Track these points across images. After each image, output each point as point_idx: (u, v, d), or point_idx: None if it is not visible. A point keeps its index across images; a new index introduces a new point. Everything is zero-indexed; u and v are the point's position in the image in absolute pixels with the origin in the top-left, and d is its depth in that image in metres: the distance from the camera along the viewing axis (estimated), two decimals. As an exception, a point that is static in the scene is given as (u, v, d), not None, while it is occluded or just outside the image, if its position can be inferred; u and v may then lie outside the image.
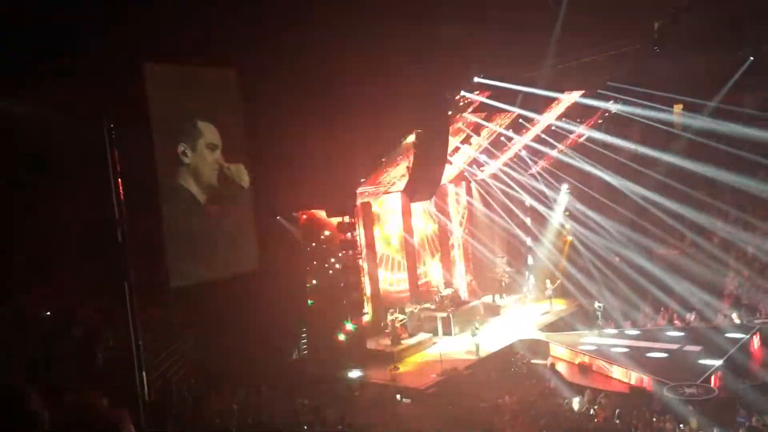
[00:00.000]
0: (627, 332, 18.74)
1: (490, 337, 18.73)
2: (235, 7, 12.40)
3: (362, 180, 17.92)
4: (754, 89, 20.84)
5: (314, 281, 18.00)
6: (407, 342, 18.31)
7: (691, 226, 21.43)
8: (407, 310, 19.19)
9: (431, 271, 22.15)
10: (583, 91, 20.67)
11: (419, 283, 21.28)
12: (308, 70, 14.43)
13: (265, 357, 15.57)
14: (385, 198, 20.32)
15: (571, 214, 23.32)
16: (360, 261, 18.37)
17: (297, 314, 17.29)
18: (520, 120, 20.64)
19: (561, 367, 16.94)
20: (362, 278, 18.58)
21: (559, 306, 21.64)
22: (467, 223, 23.30)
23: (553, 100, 20.23)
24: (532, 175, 23.10)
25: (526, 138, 22.13)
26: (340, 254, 17.80)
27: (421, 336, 18.81)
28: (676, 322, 19.22)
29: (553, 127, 21.89)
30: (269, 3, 13.03)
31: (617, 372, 15.92)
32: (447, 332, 19.29)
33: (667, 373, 14.86)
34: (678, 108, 19.66)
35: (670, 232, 21.85)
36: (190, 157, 14.03)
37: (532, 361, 17.32)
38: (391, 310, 18.79)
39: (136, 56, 12.39)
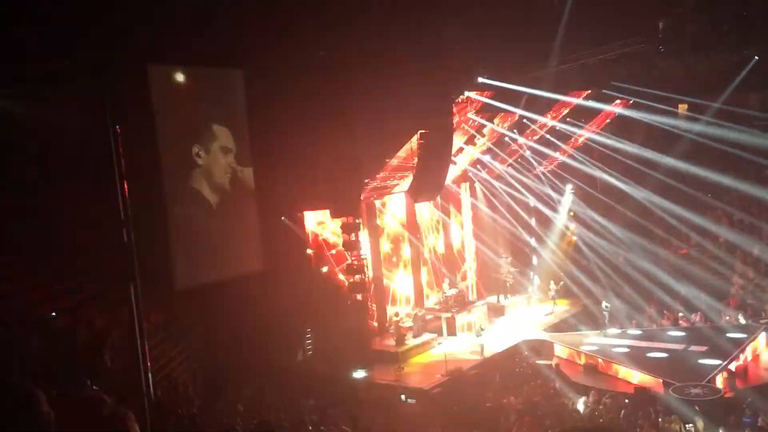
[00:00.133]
0: (632, 333, 18.70)
1: (494, 338, 18.74)
2: (241, 10, 12.44)
3: (367, 181, 17.94)
4: (759, 89, 20.79)
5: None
6: (412, 342, 18.32)
7: (696, 227, 21.39)
8: (412, 311, 19.19)
9: (435, 272, 22.14)
10: (586, 93, 20.66)
11: (423, 284, 21.29)
12: (314, 71, 14.47)
13: (271, 357, 15.60)
14: (390, 198, 20.33)
15: (575, 215, 23.32)
16: (364, 261, 18.38)
17: (302, 315, 17.30)
18: (524, 120, 20.63)
19: (566, 368, 16.92)
20: (366, 279, 18.58)
21: (563, 307, 21.62)
22: (471, 223, 23.28)
23: (556, 101, 20.21)
24: (536, 175, 23.08)
25: (530, 139, 22.14)
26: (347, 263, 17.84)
27: (426, 336, 18.82)
28: (681, 322, 19.18)
29: (557, 128, 21.87)
30: (275, 6, 13.05)
31: (622, 372, 15.89)
32: (452, 333, 19.31)
33: (673, 374, 14.83)
34: (683, 108, 19.60)
35: (675, 233, 21.81)
36: (204, 159, 14.15)
37: (537, 361, 17.31)
38: (396, 312, 18.79)
39: (142, 58, 12.44)
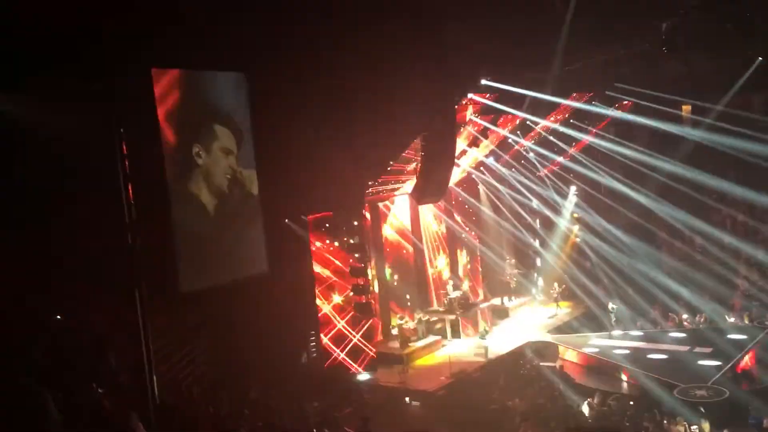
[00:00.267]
0: (637, 334, 18.67)
1: (499, 340, 18.73)
2: (245, 13, 12.47)
3: (370, 183, 17.95)
4: (763, 90, 20.73)
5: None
6: (416, 344, 18.32)
7: (700, 229, 21.35)
8: (416, 315, 19.21)
9: (440, 273, 22.13)
10: (589, 95, 20.63)
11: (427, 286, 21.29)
12: (316, 73, 14.48)
13: (275, 360, 15.61)
14: (393, 201, 20.34)
15: (578, 217, 23.30)
16: (368, 264, 18.39)
17: (306, 317, 17.31)
18: (528, 122, 20.62)
19: (570, 370, 16.89)
20: (370, 281, 18.59)
21: (567, 308, 21.60)
22: (474, 225, 23.27)
23: (558, 105, 20.21)
24: (539, 177, 23.07)
25: (534, 141, 22.13)
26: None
27: (430, 338, 18.82)
28: (685, 324, 19.13)
29: (560, 130, 21.86)
30: (278, 10, 13.08)
31: (627, 374, 15.86)
32: (456, 335, 19.30)
33: (678, 376, 14.80)
34: (687, 109, 19.57)
35: (679, 235, 21.77)
36: (204, 159, 14.06)
37: (541, 363, 17.28)
38: (400, 315, 18.79)
39: (146, 61, 12.47)
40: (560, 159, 22.77)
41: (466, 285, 22.02)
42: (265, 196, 15.33)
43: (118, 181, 9.06)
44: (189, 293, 13.72)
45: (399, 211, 20.69)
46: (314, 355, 17.47)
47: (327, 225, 17.74)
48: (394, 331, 18.86)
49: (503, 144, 21.53)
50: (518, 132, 21.12)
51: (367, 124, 15.11)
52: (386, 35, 13.90)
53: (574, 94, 20.36)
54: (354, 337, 17.50)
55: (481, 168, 22.44)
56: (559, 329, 19.91)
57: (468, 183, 22.89)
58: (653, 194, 21.01)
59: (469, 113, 18.63)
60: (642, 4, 15.71)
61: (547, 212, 23.00)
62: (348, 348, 17.37)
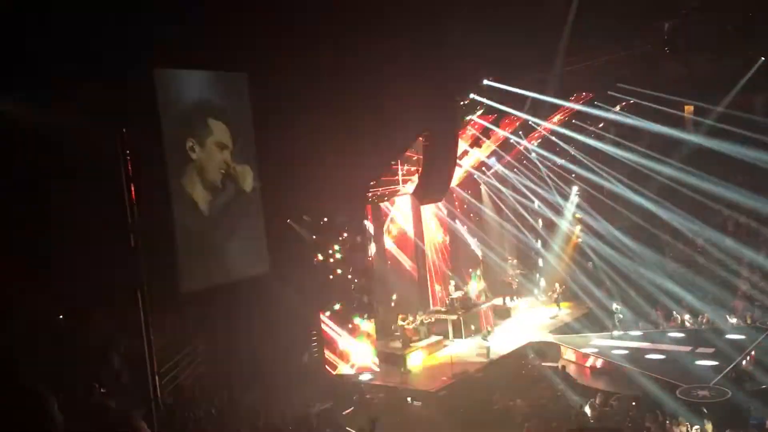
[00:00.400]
0: (639, 335, 18.65)
1: (500, 340, 18.72)
2: (246, 12, 12.47)
3: (372, 183, 17.96)
4: (764, 90, 20.69)
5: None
6: (418, 345, 18.32)
7: (702, 229, 21.38)
8: (418, 317, 19.24)
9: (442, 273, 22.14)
10: (589, 97, 20.62)
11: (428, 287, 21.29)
12: (318, 73, 14.48)
13: (277, 360, 15.63)
14: (395, 201, 20.35)
15: (580, 218, 23.30)
16: (369, 263, 18.40)
17: (307, 317, 17.32)
18: (530, 123, 20.62)
19: (572, 370, 16.88)
20: (372, 281, 18.60)
21: (569, 309, 21.60)
22: (476, 225, 23.28)
23: (560, 107, 20.21)
24: (541, 178, 23.06)
25: (536, 141, 22.14)
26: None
27: (432, 338, 18.82)
28: (687, 325, 19.12)
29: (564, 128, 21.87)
30: (280, 9, 13.08)
31: (629, 374, 15.84)
32: (458, 335, 19.30)
33: (680, 376, 14.79)
34: (689, 110, 19.54)
35: (681, 236, 21.75)
36: (198, 153, 13.87)
37: (543, 363, 17.28)
38: (402, 315, 18.80)
39: (148, 60, 12.47)
40: (562, 162, 22.78)
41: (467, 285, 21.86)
42: (266, 195, 15.32)
43: (121, 181, 9.06)
44: (190, 293, 13.71)
45: (401, 211, 20.69)
46: (315, 355, 17.49)
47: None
48: (397, 333, 18.84)
49: (505, 144, 21.53)
50: (520, 132, 21.10)
51: (369, 124, 15.11)
52: (388, 35, 13.90)
53: (575, 96, 20.37)
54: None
55: (483, 168, 22.45)
56: (560, 330, 19.90)
57: (470, 183, 22.89)
58: (655, 195, 21.01)
59: (475, 116, 18.66)
60: (643, 5, 15.68)
61: (549, 213, 22.99)
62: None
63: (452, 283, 21.12)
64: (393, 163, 17.57)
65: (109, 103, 10.73)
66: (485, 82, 17.24)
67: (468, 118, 18.69)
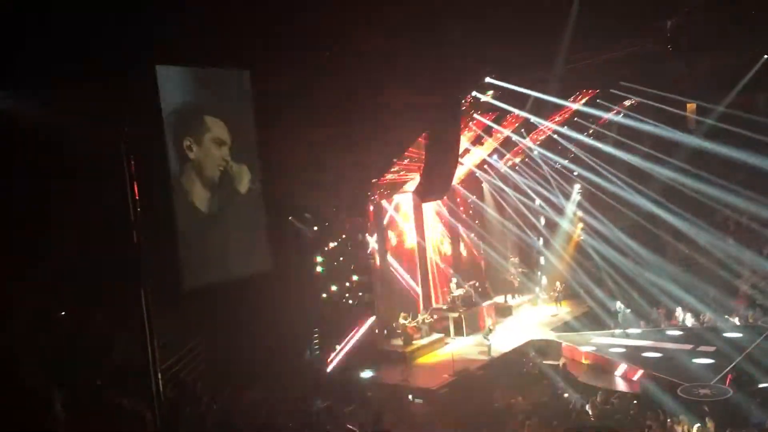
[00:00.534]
0: (641, 333, 18.66)
1: (502, 338, 18.75)
2: (247, 10, 12.46)
3: (374, 180, 17.97)
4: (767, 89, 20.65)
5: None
6: (419, 342, 18.35)
7: (704, 228, 21.38)
8: (419, 316, 19.27)
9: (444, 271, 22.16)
10: (592, 94, 20.58)
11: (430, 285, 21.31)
12: (320, 71, 14.48)
13: (278, 357, 15.66)
14: (397, 199, 20.36)
15: (582, 217, 23.31)
16: (371, 261, 18.42)
17: (309, 314, 17.35)
18: (532, 121, 20.60)
19: (573, 368, 16.90)
20: (373, 279, 18.62)
21: (569, 307, 21.61)
22: (478, 223, 23.29)
23: (562, 107, 20.20)
24: (543, 176, 23.06)
25: (538, 139, 22.11)
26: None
27: (434, 336, 18.85)
28: (689, 323, 19.12)
29: (565, 128, 21.86)
30: (280, 6, 13.07)
31: (631, 372, 15.86)
32: (459, 332, 19.34)
33: (681, 374, 14.80)
34: (691, 108, 19.49)
35: (682, 235, 21.73)
36: (195, 152, 13.78)
37: (544, 361, 17.30)
38: (404, 314, 18.84)
39: (149, 59, 12.48)
40: (564, 162, 22.77)
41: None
42: (268, 193, 15.32)
43: (123, 179, 9.07)
44: (192, 291, 13.73)
45: (402, 209, 20.70)
46: (317, 352, 17.53)
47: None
48: (399, 331, 18.87)
49: (507, 142, 21.51)
50: (522, 129, 21.08)
51: (371, 122, 15.11)
52: (390, 33, 13.89)
53: (578, 94, 20.33)
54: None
55: (485, 167, 22.44)
56: (561, 328, 19.93)
57: (472, 182, 22.90)
58: (657, 195, 21.00)
59: (476, 114, 18.64)
60: (646, 3, 15.64)
61: (551, 211, 23.00)
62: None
63: (454, 281, 21.14)
64: (395, 160, 17.56)
65: (110, 102, 10.75)
66: (487, 79, 17.22)
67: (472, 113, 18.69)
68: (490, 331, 18.29)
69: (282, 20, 13.06)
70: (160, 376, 10.39)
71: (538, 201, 22.98)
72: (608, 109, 21.47)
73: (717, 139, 19.50)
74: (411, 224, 20.91)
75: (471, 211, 23.25)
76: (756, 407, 13.00)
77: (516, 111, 19.06)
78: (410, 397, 15.79)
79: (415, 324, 18.82)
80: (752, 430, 12.31)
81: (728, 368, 14.87)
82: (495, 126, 19.88)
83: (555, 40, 15.84)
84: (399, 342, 18.28)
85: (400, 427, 14.07)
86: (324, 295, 17.53)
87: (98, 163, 10.87)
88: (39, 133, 10.63)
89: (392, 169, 18.19)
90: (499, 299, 22.16)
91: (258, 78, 14.75)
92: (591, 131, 22.27)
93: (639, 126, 20.63)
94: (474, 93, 17.57)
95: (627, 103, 21.54)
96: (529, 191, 22.60)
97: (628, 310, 19.73)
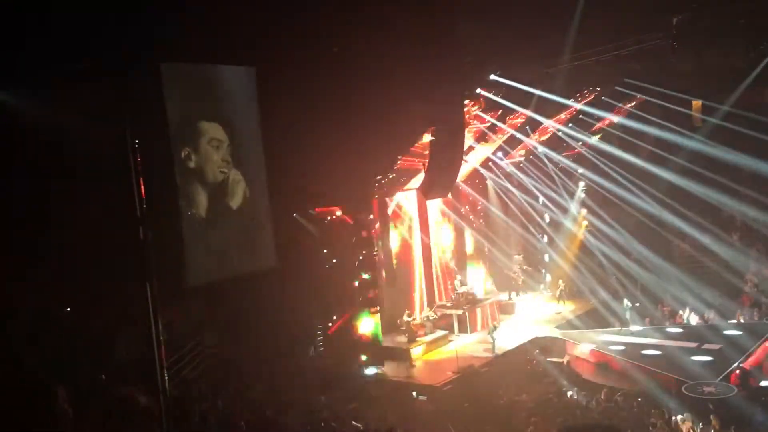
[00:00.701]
0: (646, 331, 18.62)
1: (506, 335, 18.73)
2: (252, 7, 12.46)
3: (378, 177, 17.96)
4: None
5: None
6: (423, 339, 18.36)
7: (713, 221, 21.32)
8: (423, 313, 19.25)
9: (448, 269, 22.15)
10: (595, 93, 20.53)
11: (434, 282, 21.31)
12: (324, 67, 14.48)
13: (282, 353, 15.70)
14: (401, 195, 20.34)
15: (586, 214, 23.27)
16: (376, 259, 18.42)
17: (313, 311, 17.39)
18: (536, 118, 20.54)
19: (577, 366, 16.88)
20: (378, 276, 18.62)
21: (572, 306, 21.60)
22: (482, 221, 23.26)
23: (565, 107, 20.15)
24: (548, 174, 23.02)
25: (543, 136, 22.06)
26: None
27: (438, 333, 18.85)
28: (693, 321, 19.07)
29: (569, 126, 21.82)
30: (285, 3, 13.07)
31: (634, 370, 15.83)
32: (463, 330, 19.33)
33: (685, 372, 14.77)
34: (697, 105, 19.39)
35: (688, 233, 21.68)
36: (195, 160, 13.70)
37: (549, 359, 17.29)
38: (408, 312, 18.84)
39: (154, 57, 12.49)
40: (567, 162, 22.73)
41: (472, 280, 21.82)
42: (272, 190, 15.34)
43: (130, 177, 9.09)
44: (196, 287, 13.77)
45: (407, 206, 20.69)
46: (321, 349, 17.56)
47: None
48: (403, 328, 18.88)
49: (511, 140, 21.47)
50: (527, 126, 21.03)
51: (376, 119, 15.10)
52: (395, 29, 13.87)
53: (583, 92, 20.27)
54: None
55: (490, 164, 22.41)
56: (565, 326, 19.90)
57: (476, 179, 22.87)
58: (661, 194, 20.96)
59: (481, 111, 18.60)
60: (652, -1, 15.60)
61: (554, 209, 22.96)
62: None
63: (458, 278, 21.13)
64: (400, 157, 17.55)
65: (112, 100, 10.77)
66: (492, 76, 17.18)
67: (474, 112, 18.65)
68: (495, 328, 18.28)
69: (286, 19, 13.07)
70: (166, 373, 10.41)
71: (542, 199, 22.95)
72: (613, 107, 21.39)
73: (722, 138, 19.46)
74: (415, 221, 20.90)
75: (476, 209, 23.22)
76: (760, 406, 12.96)
77: (520, 109, 19.01)
78: (414, 394, 15.80)
79: (419, 321, 18.83)
80: (757, 429, 12.28)
81: (733, 366, 14.82)
82: (499, 124, 19.84)
83: (560, 37, 15.80)
84: (403, 339, 18.29)
85: (404, 424, 14.08)
86: (329, 292, 17.56)
87: (102, 160, 10.90)
88: (42, 133, 10.66)
89: (396, 166, 18.18)
90: (504, 296, 22.14)
91: (263, 75, 14.77)
92: (595, 130, 22.21)
93: (644, 124, 20.58)
94: (478, 90, 17.54)
95: (628, 105, 21.47)
96: (534, 189, 22.57)
97: (638, 304, 19.70)
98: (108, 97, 10.76)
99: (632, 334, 18.38)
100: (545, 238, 23.67)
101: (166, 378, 9.36)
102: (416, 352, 17.74)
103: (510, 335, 18.86)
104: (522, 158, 22.87)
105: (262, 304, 15.23)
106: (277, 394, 14.57)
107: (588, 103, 20.77)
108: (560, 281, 21.94)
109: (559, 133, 21.85)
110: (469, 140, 19.27)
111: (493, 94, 17.91)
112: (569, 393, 14.79)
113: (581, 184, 23.33)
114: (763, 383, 14.49)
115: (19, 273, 10.67)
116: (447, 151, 16.13)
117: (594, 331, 18.95)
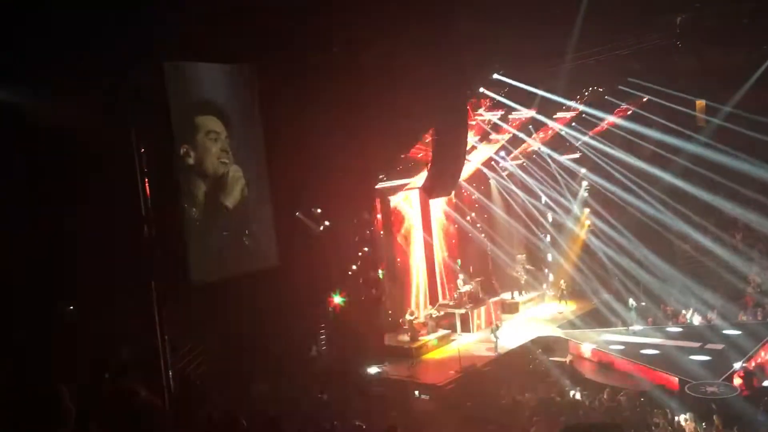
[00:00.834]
0: (649, 331, 18.61)
1: (508, 334, 18.73)
2: (254, 6, 12.46)
3: (381, 176, 17.95)
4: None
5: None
6: (426, 338, 18.36)
7: (716, 222, 21.28)
8: (425, 312, 19.25)
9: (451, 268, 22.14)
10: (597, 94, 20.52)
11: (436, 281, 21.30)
12: (327, 66, 14.47)
13: (285, 352, 15.70)
14: (404, 195, 20.34)
15: (589, 214, 23.26)
16: (378, 258, 18.41)
17: (316, 310, 17.38)
18: (539, 118, 20.52)
19: (580, 365, 16.87)
20: (380, 275, 18.62)
21: (575, 305, 21.58)
22: (485, 220, 23.24)
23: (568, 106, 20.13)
24: (551, 174, 23.00)
25: (545, 136, 22.04)
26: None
27: (440, 332, 18.85)
28: (696, 321, 19.05)
29: (573, 124, 21.79)
30: (287, 1, 13.06)
31: (637, 370, 15.82)
32: (465, 329, 19.33)
33: (689, 371, 14.75)
34: (701, 105, 19.36)
35: (690, 234, 21.66)
36: (193, 156, 13.46)
37: (551, 358, 17.27)
38: (411, 310, 18.83)
39: (156, 56, 12.49)
40: (568, 163, 22.72)
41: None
42: (274, 188, 15.32)
43: (135, 175, 9.10)
44: (199, 285, 13.76)
45: (409, 205, 20.69)
46: (324, 347, 17.55)
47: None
48: (405, 327, 18.89)
49: (514, 139, 21.46)
50: (530, 126, 21.02)
51: (378, 117, 15.10)
52: (397, 28, 13.86)
53: (585, 92, 20.25)
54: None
55: (492, 163, 22.40)
56: (567, 325, 19.90)
57: (479, 179, 22.86)
58: (663, 195, 20.96)
59: (483, 110, 18.60)
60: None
61: (557, 209, 22.95)
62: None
63: (460, 277, 21.11)
64: (402, 156, 17.54)
65: (121, 97, 10.78)
66: (495, 76, 17.17)
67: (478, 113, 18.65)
68: (498, 327, 18.27)
69: (289, 15, 13.06)
70: (170, 372, 10.44)
71: (544, 198, 22.93)
72: (616, 107, 21.37)
73: (725, 139, 19.44)
74: (418, 221, 20.89)
75: (478, 208, 23.21)
76: (763, 406, 12.94)
77: (523, 108, 18.99)
78: (416, 393, 15.80)
79: (422, 320, 18.84)
80: (759, 429, 12.26)
81: (736, 367, 14.80)
82: (502, 124, 19.83)
83: (563, 36, 15.78)
84: (406, 338, 18.29)
85: (407, 423, 14.08)
86: (331, 291, 17.55)
87: (105, 159, 10.90)
88: (43, 132, 10.67)
89: (399, 165, 18.17)
90: (507, 296, 22.13)
91: (266, 72, 14.75)
92: (597, 130, 22.19)
93: (646, 125, 20.56)
94: (481, 89, 17.53)
95: (632, 105, 21.44)
96: (536, 189, 22.56)
97: (643, 303, 19.68)
98: (110, 97, 10.76)
99: (635, 333, 18.37)
100: (548, 238, 23.65)
101: (171, 375, 9.38)
102: (419, 351, 17.73)
103: (513, 334, 18.85)
104: (524, 158, 22.84)
105: (265, 303, 15.21)
106: (279, 393, 14.58)
107: (590, 103, 20.75)
108: (561, 281, 21.94)
109: (562, 133, 21.82)
110: (471, 140, 19.26)
111: (496, 93, 17.89)
112: (572, 392, 14.78)
113: (584, 183, 23.29)
114: (766, 383, 14.48)
115: (21, 271, 10.68)
116: (449, 151, 16.12)
117: (597, 331, 18.94)
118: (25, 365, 9.62)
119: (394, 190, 19.52)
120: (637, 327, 18.79)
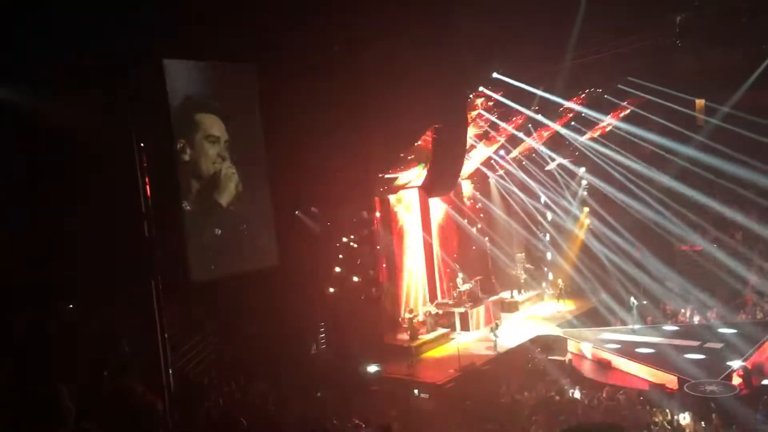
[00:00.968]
0: (649, 330, 18.64)
1: (508, 333, 18.76)
2: (255, 5, 12.47)
3: (381, 175, 17.96)
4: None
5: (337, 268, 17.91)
6: (425, 337, 18.39)
7: (715, 222, 21.30)
8: (424, 309, 19.27)
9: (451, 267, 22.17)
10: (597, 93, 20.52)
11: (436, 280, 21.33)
12: (328, 65, 14.47)
13: (285, 350, 15.72)
14: (404, 194, 20.36)
15: (587, 213, 23.28)
16: (377, 256, 18.45)
17: (316, 308, 17.41)
18: (538, 118, 20.53)
19: (579, 364, 16.90)
20: (379, 274, 18.66)
21: (574, 304, 21.61)
22: (484, 220, 23.27)
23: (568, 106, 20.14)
24: (550, 173, 23.02)
25: (544, 135, 22.05)
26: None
27: (440, 331, 18.89)
28: (695, 320, 19.08)
29: (572, 123, 21.80)
30: (288, 1, 13.07)
31: (636, 368, 15.85)
32: (465, 327, 19.36)
33: (689, 370, 14.78)
34: (700, 104, 19.36)
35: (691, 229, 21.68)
36: (189, 154, 13.42)
37: (550, 357, 17.30)
38: (410, 308, 18.86)
39: (156, 54, 12.50)
40: (566, 163, 22.72)
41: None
42: (273, 187, 15.34)
43: (135, 174, 9.12)
44: (200, 284, 13.77)
45: (409, 204, 20.70)
46: (323, 346, 17.58)
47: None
48: (405, 325, 18.92)
49: (513, 138, 21.47)
50: (530, 125, 21.03)
51: (378, 117, 15.10)
52: (397, 28, 13.86)
53: (584, 92, 20.26)
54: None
55: (492, 163, 22.41)
56: (566, 324, 19.93)
57: (478, 178, 22.87)
58: (662, 195, 20.99)
59: (482, 110, 18.61)
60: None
61: (556, 208, 22.97)
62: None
63: (460, 276, 21.14)
64: (402, 155, 17.55)
65: (121, 96, 10.79)
66: (495, 75, 17.17)
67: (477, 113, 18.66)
68: (497, 326, 18.30)
69: (291, 14, 13.07)
70: (170, 371, 10.46)
71: (543, 198, 22.96)
72: (615, 107, 21.37)
73: (724, 139, 19.45)
74: (417, 219, 20.91)
75: (477, 207, 23.23)
76: (762, 405, 12.96)
77: (522, 109, 19.00)
78: (416, 391, 15.83)
79: (423, 318, 18.86)
80: (758, 428, 12.29)
81: (735, 366, 14.83)
82: (501, 123, 19.84)
83: (563, 35, 15.78)
84: (405, 336, 18.31)
85: (406, 421, 14.12)
86: (331, 290, 17.58)
87: (105, 157, 10.92)
88: (43, 131, 10.68)
89: (398, 164, 18.17)
90: (506, 295, 22.16)
91: (266, 72, 14.76)
92: (596, 129, 22.20)
93: (645, 125, 20.58)
94: (480, 88, 17.54)
95: (631, 104, 21.45)
96: (535, 188, 22.58)
97: (645, 301, 19.71)
98: (110, 95, 10.77)
99: (635, 332, 18.40)
100: (547, 237, 23.67)
101: (171, 373, 9.41)
102: (418, 350, 17.76)
103: (512, 333, 18.88)
104: (524, 157, 22.86)
105: (265, 302, 15.23)
106: (278, 391, 14.61)
107: (590, 102, 20.75)
108: (559, 280, 21.98)
109: (561, 132, 21.83)
110: (471, 139, 19.28)
111: (495, 92, 17.90)
112: (571, 391, 14.81)
113: (583, 183, 23.31)
114: (765, 382, 14.50)
115: (22, 270, 10.70)
116: (449, 150, 16.13)
117: (596, 330, 18.97)
118: (25, 365, 9.65)
119: (395, 188, 19.49)
120: (638, 326, 18.80)
